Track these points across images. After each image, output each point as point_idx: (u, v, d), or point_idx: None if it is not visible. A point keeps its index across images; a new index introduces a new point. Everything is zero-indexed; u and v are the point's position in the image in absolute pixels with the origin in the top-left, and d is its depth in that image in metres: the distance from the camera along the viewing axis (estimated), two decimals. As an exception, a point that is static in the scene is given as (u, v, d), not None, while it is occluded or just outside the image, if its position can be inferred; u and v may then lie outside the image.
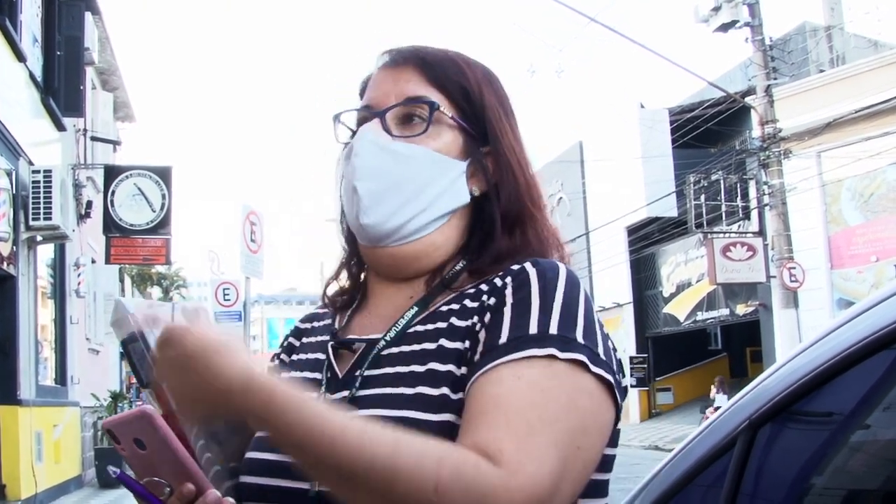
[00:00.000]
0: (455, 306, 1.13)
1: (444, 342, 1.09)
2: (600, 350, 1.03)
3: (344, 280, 1.31)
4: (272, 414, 0.90)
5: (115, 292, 18.54)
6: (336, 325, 1.25)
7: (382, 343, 1.13)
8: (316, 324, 1.32)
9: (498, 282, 1.11)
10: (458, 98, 1.19)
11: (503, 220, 1.18)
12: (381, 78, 1.21)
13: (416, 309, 1.15)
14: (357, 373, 1.12)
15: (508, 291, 1.08)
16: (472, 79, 1.21)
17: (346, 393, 1.11)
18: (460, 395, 1.03)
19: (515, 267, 1.11)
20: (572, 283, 1.08)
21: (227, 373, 0.91)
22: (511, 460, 0.91)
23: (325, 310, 1.32)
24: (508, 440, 0.92)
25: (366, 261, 1.24)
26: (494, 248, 1.17)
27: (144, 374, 1.05)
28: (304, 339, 1.30)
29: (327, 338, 1.23)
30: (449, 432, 0.99)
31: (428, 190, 1.16)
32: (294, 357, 1.28)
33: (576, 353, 1.00)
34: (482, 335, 1.06)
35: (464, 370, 1.05)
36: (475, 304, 1.11)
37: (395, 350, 1.12)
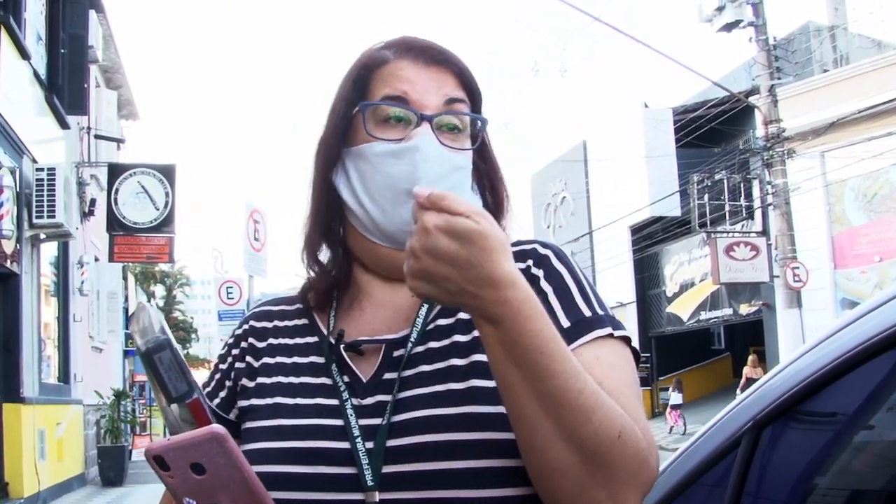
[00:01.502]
0: None
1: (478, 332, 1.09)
2: (611, 313, 1.13)
3: (308, 277, 1.23)
4: (525, 315, 0.93)
5: (118, 291, 18.55)
6: (322, 326, 1.20)
7: (410, 343, 1.12)
8: (279, 323, 1.24)
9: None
10: (479, 106, 1.21)
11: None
12: (413, 73, 1.16)
13: (426, 306, 1.15)
14: (386, 375, 1.10)
15: (541, 275, 1.13)
16: (479, 88, 1.22)
17: (384, 397, 1.08)
18: None
19: (525, 247, 1.16)
20: (574, 260, 1.18)
21: (506, 263, 0.93)
22: (642, 427, 1.01)
23: (277, 307, 1.27)
24: (631, 409, 1.01)
25: (376, 261, 1.19)
26: None
27: (174, 387, 0.97)
28: (272, 341, 1.23)
29: (315, 339, 1.19)
30: (506, 424, 1.01)
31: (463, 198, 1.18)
32: (268, 360, 1.20)
33: (622, 330, 1.10)
34: None
35: None
36: None
37: (421, 348, 1.11)
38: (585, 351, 1.06)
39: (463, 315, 1.12)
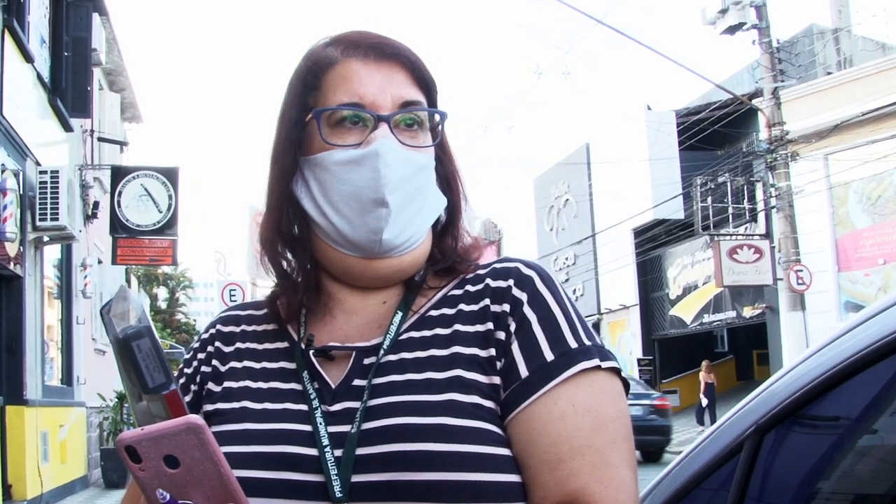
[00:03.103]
0: (448, 311, 1.12)
1: (458, 349, 1.07)
2: (600, 341, 1.09)
3: (275, 285, 1.21)
4: None
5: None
6: (293, 332, 1.17)
7: (382, 351, 1.08)
8: (247, 328, 1.22)
9: (492, 282, 1.11)
10: (434, 99, 1.17)
11: (454, 214, 1.20)
12: (365, 73, 1.12)
13: (400, 314, 1.12)
14: (355, 382, 1.07)
15: (524, 299, 1.08)
16: (433, 77, 1.18)
17: (352, 403, 1.05)
18: (491, 403, 1.04)
19: (507, 265, 1.13)
20: (559, 284, 1.12)
21: None
22: (606, 501, 0.98)
23: (245, 311, 1.24)
24: (595, 482, 0.99)
25: (345, 271, 1.15)
26: (449, 240, 1.19)
27: (151, 377, 0.92)
28: (240, 345, 1.20)
29: (285, 344, 1.16)
30: (481, 438, 1.00)
31: (429, 199, 1.15)
32: (235, 364, 1.17)
33: (612, 361, 1.06)
34: (515, 347, 1.06)
35: (495, 379, 1.05)
36: (475, 307, 1.10)
37: (393, 357, 1.08)
38: (564, 392, 1.03)
39: (441, 330, 1.09)
